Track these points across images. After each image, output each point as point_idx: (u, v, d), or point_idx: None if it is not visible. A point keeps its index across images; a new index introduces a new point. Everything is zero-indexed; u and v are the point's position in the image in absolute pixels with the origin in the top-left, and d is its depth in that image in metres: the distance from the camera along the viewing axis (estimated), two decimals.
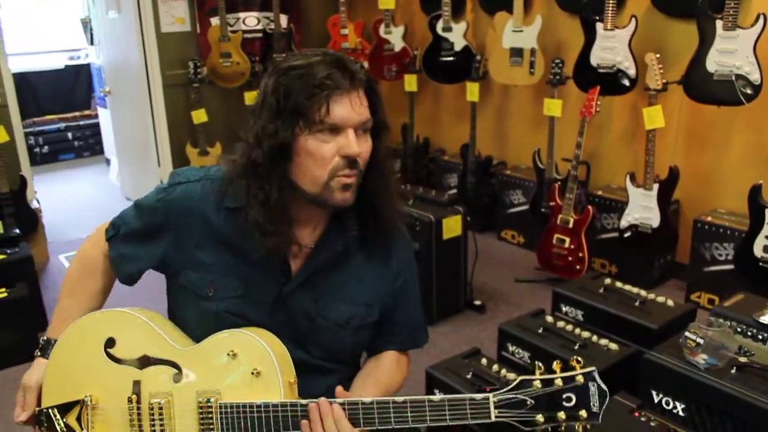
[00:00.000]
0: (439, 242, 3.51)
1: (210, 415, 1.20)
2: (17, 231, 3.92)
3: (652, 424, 1.87)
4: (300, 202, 1.32)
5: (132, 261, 1.43)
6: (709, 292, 3.56)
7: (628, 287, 2.77)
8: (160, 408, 1.22)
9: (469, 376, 2.26)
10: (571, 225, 3.78)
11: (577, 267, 3.78)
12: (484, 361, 2.35)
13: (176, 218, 1.37)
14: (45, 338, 1.42)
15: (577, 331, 2.50)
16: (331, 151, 1.25)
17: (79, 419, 1.26)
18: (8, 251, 3.62)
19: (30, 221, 4.59)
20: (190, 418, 1.22)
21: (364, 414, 1.20)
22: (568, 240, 3.80)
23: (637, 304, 2.63)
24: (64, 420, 1.26)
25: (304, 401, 1.21)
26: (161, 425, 1.23)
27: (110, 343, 1.28)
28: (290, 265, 1.37)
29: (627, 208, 3.74)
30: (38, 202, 4.86)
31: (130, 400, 1.24)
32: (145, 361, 1.26)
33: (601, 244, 4.06)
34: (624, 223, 3.76)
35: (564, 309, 2.78)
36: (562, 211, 3.82)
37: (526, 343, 2.48)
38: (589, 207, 3.76)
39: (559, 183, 3.92)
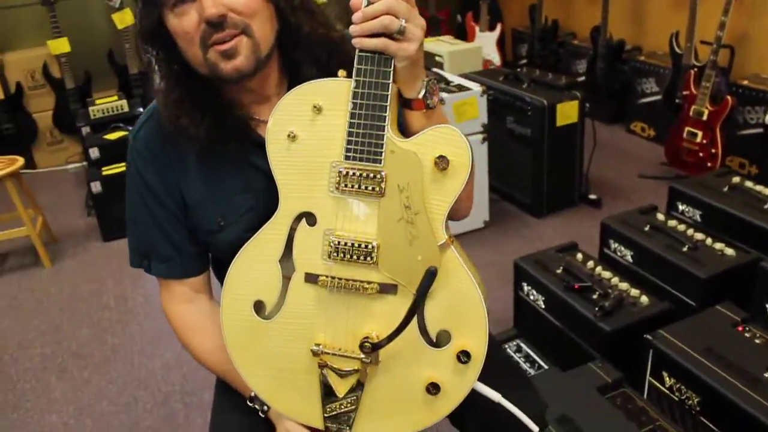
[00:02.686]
0: (552, 129, 3.29)
1: None
2: (141, 110, 4.07)
3: (757, 341, 1.67)
4: (224, 85, 1.14)
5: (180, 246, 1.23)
6: None
7: (759, 188, 2.46)
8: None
9: (559, 271, 2.12)
10: (705, 117, 3.41)
11: (709, 164, 3.43)
12: (579, 256, 2.20)
13: (153, 173, 1.19)
14: (251, 396, 1.20)
15: (690, 231, 2.26)
16: (192, 22, 1.05)
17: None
18: (130, 128, 3.78)
19: None
20: None
21: None
22: (700, 134, 3.44)
23: (766, 206, 2.33)
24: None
25: None
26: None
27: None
28: None
29: None
30: None
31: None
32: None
33: (742, 141, 3.64)
34: None
35: (680, 207, 2.52)
36: (696, 101, 3.43)
37: (629, 240, 2.28)
38: (728, 97, 3.34)
39: (696, 70, 3.52)
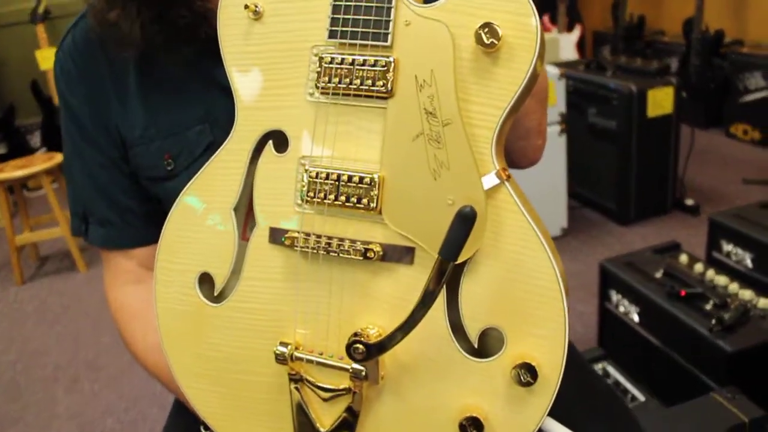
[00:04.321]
0: (642, 121, 2.83)
1: None
2: None
3: None
4: None
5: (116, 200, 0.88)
6: None
7: None
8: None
9: (658, 276, 1.66)
10: None
11: None
12: (684, 258, 1.73)
13: (80, 97, 0.85)
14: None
15: None
16: None
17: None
18: None
19: None
20: None
21: None
22: None
23: None
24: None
25: None
26: None
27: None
28: None
29: None
30: None
31: None
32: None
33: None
34: None
35: None
36: None
37: (748, 240, 1.79)
38: None
39: None
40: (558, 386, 0.59)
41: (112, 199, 0.86)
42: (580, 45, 4.99)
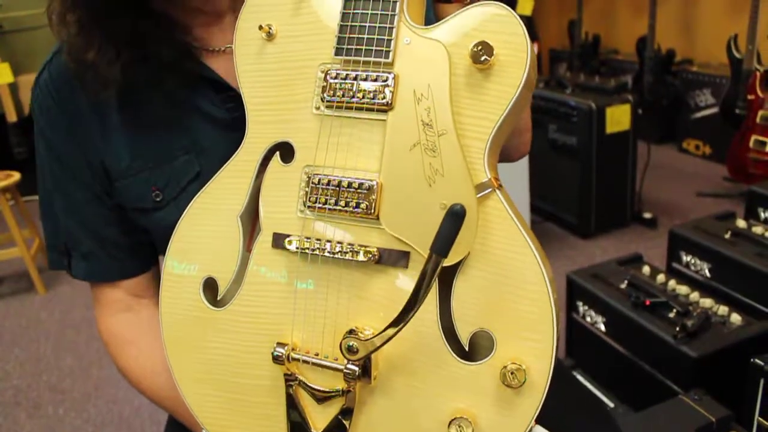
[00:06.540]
0: (601, 137, 2.92)
1: None
2: None
3: None
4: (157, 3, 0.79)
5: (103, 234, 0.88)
6: None
7: None
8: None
9: (623, 286, 1.72)
10: None
11: None
12: (646, 269, 1.79)
13: (61, 132, 0.83)
14: None
15: None
16: None
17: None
18: None
19: None
20: None
21: None
22: None
23: None
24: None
25: None
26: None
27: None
28: (224, 82, 0.82)
29: None
30: None
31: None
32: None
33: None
34: None
35: (763, 214, 2.11)
36: (764, 106, 3.04)
37: (706, 250, 1.87)
38: None
39: (760, 72, 3.13)
40: (547, 389, 0.61)
41: (96, 233, 0.86)
42: (537, 63, 5.12)
